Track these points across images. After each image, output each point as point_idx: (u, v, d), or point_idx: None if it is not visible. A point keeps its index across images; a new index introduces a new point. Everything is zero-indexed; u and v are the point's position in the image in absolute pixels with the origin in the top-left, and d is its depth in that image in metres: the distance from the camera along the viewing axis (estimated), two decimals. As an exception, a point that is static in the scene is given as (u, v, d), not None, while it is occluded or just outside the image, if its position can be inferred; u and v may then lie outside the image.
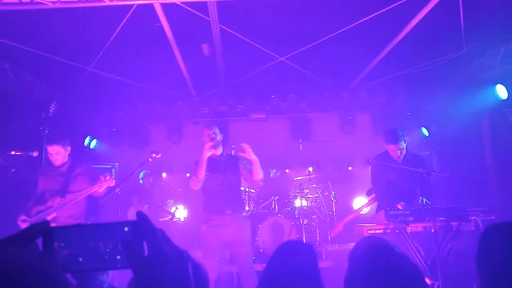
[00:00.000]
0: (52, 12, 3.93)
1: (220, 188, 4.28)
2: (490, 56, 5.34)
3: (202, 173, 4.13)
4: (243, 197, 4.46)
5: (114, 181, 4.10)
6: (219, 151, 4.40)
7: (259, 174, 4.25)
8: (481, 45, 5.14)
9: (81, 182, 4.16)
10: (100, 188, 4.02)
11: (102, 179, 4.00)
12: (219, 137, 4.35)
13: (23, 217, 3.92)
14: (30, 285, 0.62)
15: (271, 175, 7.49)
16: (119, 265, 0.76)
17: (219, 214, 4.21)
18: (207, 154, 4.13)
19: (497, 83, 5.38)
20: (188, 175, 7.34)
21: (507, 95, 5.29)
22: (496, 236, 1.24)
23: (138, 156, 6.40)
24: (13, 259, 0.63)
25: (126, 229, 0.77)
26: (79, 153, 6.70)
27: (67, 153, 4.32)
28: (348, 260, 1.60)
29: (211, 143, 4.16)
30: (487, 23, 4.61)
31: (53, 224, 0.76)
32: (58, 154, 4.21)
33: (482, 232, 1.27)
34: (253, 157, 4.19)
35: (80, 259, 0.76)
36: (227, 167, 4.36)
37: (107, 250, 0.76)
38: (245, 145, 4.19)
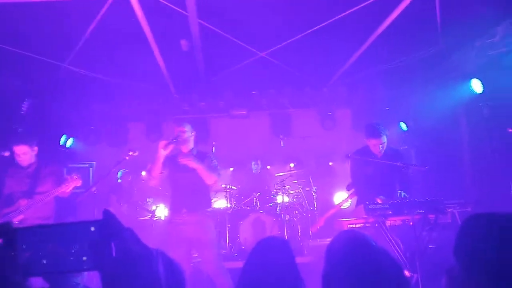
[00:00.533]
0: (25, 5, 3.80)
1: (181, 186, 4.23)
2: (466, 51, 5.44)
3: (156, 171, 4.07)
4: (208, 195, 4.42)
5: (80, 181, 4.04)
6: (188, 148, 4.32)
7: (208, 179, 4.16)
8: (456, 40, 5.23)
9: (49, 182, 4.09)
10: (67, 188, 3.93)
11: (69, 179, 3.92)
12: (187, 135, 4.27)
13: None
14: None
15: (253, 170, 7.47)
16: (85, 267, 0.73)
17: (177, 212, 4.19)
18: (162, 152, 4.01)
19: (472, 78, 5.49)
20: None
21: (482, 89, 5.40)
22: (475, 227, 1.25)
23: (116, 154, 6.26)
24: None
25: (92, 229, 0.73)
26: (54, 152, 6.54)
27: (34, 153, 4.22)
28: (325, 254, 1.59)
29: (164, 142, 4.06)
30: (462, 18, 4.69)
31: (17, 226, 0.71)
32: (25, 154, 4.11)
33: (460, 223, 1.28)
34: (195, 165, 4.09)
35: (44, 261, 0.72)
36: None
37: (72, 251, 0.72)
38: (184, 160, 4.10)
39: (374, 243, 1.56)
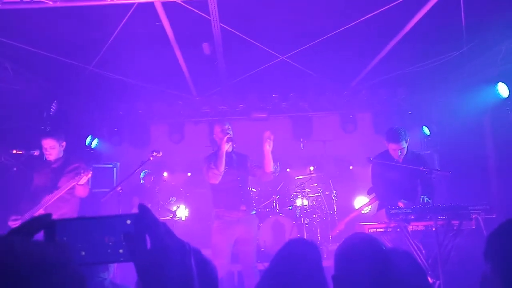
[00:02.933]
0: (53, 11, 3.93)
1: (235, 184, 4.34)
2: (491, 55, 5.33)
3: (223, 166, 4.16)
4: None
5: (90, 171, 4.08)
6: (230, 148, 4.43)
7: (271, 165, 4.33)
8: (482, 43, 5.13)
9: (69, 178, 4.11)
10: (79, 180, 3.96)
11: (81, 172, 3.97)
12: (231, 133, 4.39)
13: (14, 217, 3.92)
14: (37, 276, 0.61)
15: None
16: (121, 258, 0.76)
17: (234, 209, 4.25)
18: (226, 146, 4.18)
19: (499, 82, 5.36)
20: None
21: (508, 94, 5.27)
22: (510, 230, 1.22)
23: (139, 155, 6.39)
24: (16, 252, 0.61)
25: (128, 221, 0.77)
26: (80, 152, 6.72)
27: (62, 148, 4.31)
28: (335, 257, 1.59)
29: (229, 136, 4.20)
30: (487, 21, 4.60)
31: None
32: (52, 148, 4.20)
33: (497, 227, 1.25)
34: (268, 148, 4.28)
35: (83, 252, 0.75)
36: (239, 163, 4.43)
37: (110, 243, 0.76)
38: (269, 135, 4.29)
39: (384, 246, 1.55)
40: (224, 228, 4.21)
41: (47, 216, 0.75)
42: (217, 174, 4.20)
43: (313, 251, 1.79)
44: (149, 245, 0.75)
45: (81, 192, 4.18)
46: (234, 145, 4.46)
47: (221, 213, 4.29)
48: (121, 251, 0.76)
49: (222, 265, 3.96)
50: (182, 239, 0.78)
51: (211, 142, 4.36)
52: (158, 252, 0.74)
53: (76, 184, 4.01)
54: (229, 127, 4.42)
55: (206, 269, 0.83)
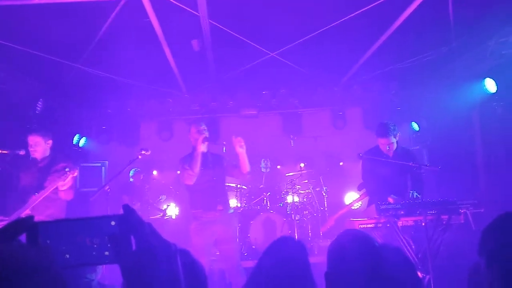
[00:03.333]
0: (39, 8, 3.85)
1: (211, 184, 4.30)
2: (479, 50, 5.37)
3: (198, 166, 4.15)
4: (234, 193, 4.53)
5: (77, 170, 4.03)
6: (206, 148, 4.42)
7: (246, 166, 4.29)
8: (470, 39, 5.17)
9: (55, 178, 4.03)
10: (65, 179, 3.90)
11: (66, 172, 3.92)
12: (207, 133, 4.38)
13: (0, 217, 3.85)
14: (19, 279, 0.59)
15: (262, 169, 7.48)
16: (107, 260, 0.75)
17: (211, 210, 4.22)
18: (202, 147, 4.17)
19: (486, 77, 5.42)
20: (178, 172, 7.34)
21: (496, 89, 5.33)
22: (505, 225, 1.22)
23: (128, 153, 6.33)
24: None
25: (112, 223, 0.76)
26: (68, 151, 6.63)
27: (48, 146, 4.24)
28: (328, 254, 1.59)
29: (204, 136, 4.19)
30: (476, 17, 4.64)
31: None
32: (37, 145, 4.14)
33: (491, 222, 1.25)
34: (241, 150, 4.23)
35: (67, 255, 0.74)
36: (214, 164, 4.41)
37: (94, 245, 0.75)
38: (238, 138, 4.25)
39: (377, 243, 1.55)
40: (201, 229, 4.19)
41: (29, 218, 0.73)
42: (192, 175, 4.17)
43: (300, 250, 1.79)
44: (134, 246, 0.73)
45: (65, 195, 4.09)
46: (225, 145, 4.47)
47: (198, 214, 4.27)
48: (106, 253, 0.75)
49: (204, 264, 3.95)
50: (168, 240, 0.77)
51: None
52: (144, 253, 0.73)
53: (61, 184, 3.93)
54: (205, 127, 4.41)
55: (194, 270, 0.82)
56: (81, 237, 0.74)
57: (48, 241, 0.73)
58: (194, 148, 4.24)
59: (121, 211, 0.77)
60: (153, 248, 0.73)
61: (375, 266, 1.42)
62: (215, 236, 4.22)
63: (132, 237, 0.74)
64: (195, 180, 4.24)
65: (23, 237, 0.72)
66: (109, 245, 0.74)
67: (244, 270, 4.23)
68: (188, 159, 4.29)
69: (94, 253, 0.74)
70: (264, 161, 7.46)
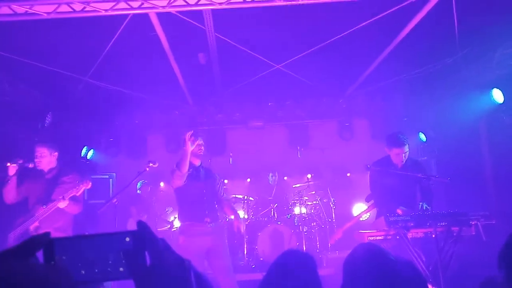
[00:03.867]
0: (47, 22, 3.92)
1: (200, 196, 4.24)
2: (485, 61, 5.36)
3: (186, 167, 4.01)
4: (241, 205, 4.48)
5: (90, 183, 4.04)
6: (199, 161, 4.42)
7: (186, 166, 4.05)
8: (476, 49, 5.17)
9: (64, 191, 4.04)
10: (77, 192, 3.92)
11: (79, 183, 3.93)
12: (203, 149, 4.36)
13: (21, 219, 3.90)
14: None
15: (270, 181, 7.47)
16: (121, 276, 0.75)
17: (199, 222, 4.16)
18: (190, 147, 4.00)
19: (493, 87, 5.39)
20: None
21: (503, 99, 5.30)
22: None
23: (136, 166, 6.35)
24: (14, 273, 0.61)
25: (127, 239, 0.76)
26: (76, 164, 6.67)
27: (54, 158, 4.27)
28: (344, 267, 1.57)
29: (190, 132, 4.04)
30: (481, 27, 4.64)
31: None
32: (43, 156, 4.17)
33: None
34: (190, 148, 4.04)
35: (82, 271, 0.74)
36: (206, 177, 4.40)
37: (109, 261, 0.75)
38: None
39: (392, 257, 1.54)
40: (190, 242, 4.10)
41: (46, 235, 0.74)
42: (180, 176, 4.03)
43: (309, 262, 1.77)
44: (148, 262, 0.74)
45: (72, 209, 4.09)
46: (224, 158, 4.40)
47: (186, 228, 4.19)
48: (121, 269, 0.75)
49: None
50: (181, 256, 0.78)
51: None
52: (158, 269, 0.73)
53: (72, 196, 3.95)
54: (202, 142, 4.34)
55: (202, 282, 0.82)
56: (96, 253, 0.75)
57: (64, 257, 0.74)
58: (183, 149, 4.06)
59: (128, 223, 0.78)
60: (167, 264, 0.74)
61: (390, 280, 1.41)
62: (205, 249, 4.12)
63: (146, 253, 0.75)
64: (183, 193, 4.19)
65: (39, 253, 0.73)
66: (123, 261, 0.75)
67: (237, 283, 4.18)
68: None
69: (109, 269, 0.75)
70: (271, 174, 7.46)
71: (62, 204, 3.93)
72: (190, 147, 4.01)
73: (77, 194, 3.99)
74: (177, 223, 7.22)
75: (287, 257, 1.81)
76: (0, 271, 0.60)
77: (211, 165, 4.56)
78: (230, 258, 4.32)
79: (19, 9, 3.65)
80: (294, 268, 1.73)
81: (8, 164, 4.02)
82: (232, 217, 4.44)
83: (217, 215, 4.38)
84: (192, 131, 4.09)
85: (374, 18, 4.33)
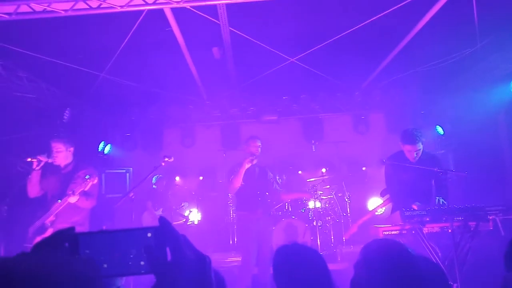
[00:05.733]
0: (64, 20, 3.99)
1: (256, 191, 4.97)
2: (505, 52, 5.23)
3: (239, 183, 4.74)
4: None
5: (97, 178, 4.11)
6: (255, 160, 4.90)
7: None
8: (495, 40, 5.04)
9: (76, 186, 4.06)
10: (85, 187, 3.95)
11: (87, 179, 3.98)
12: (260, 150, 4.95)
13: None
14: (65, 286, 0.63)
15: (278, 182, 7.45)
16: (142, 271, 0.78)
17: (253, 211, 4.90)
18: (246, 166, 4.70)
19: (513, 79, 5.26)
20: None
21: (524, 91, 5.17)
22: None
23: (152, 160, 6.45)
24: (42, 266, 0.64)
25: (149, 234, 0.79)
26: (93, 158, 6.79)
27: (69, 153, 4.33)
28: (357, 262, 1.56)
29: (250, 159, 4.72)
30: (501, 17, 4.52)
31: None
32: (59, 152, 4.22)
33: None
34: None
35: (105, 265, 0.77)
36: (260, 174, 5.04)
37: (131, 256, 0.78)
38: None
39: (411, 251, 1.53)
40: (248, 223, 4.88)
41: (71, 229, 0.77)
42: (233, 189, 4.85)
43: (317, 258, 1.77)
44: (169, 258, 0.76)
45: (84, 203, 4.14)
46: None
47: (244, 213, 4.98)
48: (142, 263, 0.77)
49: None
50: (202, 252, 0.80)
51: (246, 148, 5.03)
52: (178, 264, 0.75)
53: (82, 191, 3.99)
54: (260, 144, 4.97)
55: (216, 279, 0.84)
56: (119, 248, 0.78)
57: (88, 251, 0.77)
58: (241, 164, 4.76)
59: (143, 217, 0.80)
60: (187, 259, 0.76)
61: (409, 274, 1.40)
62: (258, 230, 4.83)
63: (167, 249, 0.77)
64: (242, 188, 4.83)
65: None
66: (145, 255, 0.77)
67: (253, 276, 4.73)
68: (234, 171, 4.84)
69: (130, 263, 0.77)
70: (278, 177, 7.46)
71: (72, 199, 3.98)
72: (246, 167, 4.70)
73: (86, 189, 4.01)
74: (192, 217, 7.31)
75: (289, 253, 1.82)
76: (29, 262, 0.63)
77: (265, 163, 5.23)
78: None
79: (38, 7, 3.73)
80: (301, 262, 1.74)
81: (29, 159, 4.11)
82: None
83: (268, 206, 5.20)
84: (255, 158, 4.77)
85: (390, 9, 4.26)
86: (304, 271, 1.74)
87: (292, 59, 5.62)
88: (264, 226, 4.99)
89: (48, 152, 4.20)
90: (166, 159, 4.34)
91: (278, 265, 1.76)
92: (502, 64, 5.37)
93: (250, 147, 4.92)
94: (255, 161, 4.81)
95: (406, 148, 4.28)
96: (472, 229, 3.44)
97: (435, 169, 4.05)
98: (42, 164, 4.12)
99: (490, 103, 5.72)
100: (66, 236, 0.75)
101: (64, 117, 5.86)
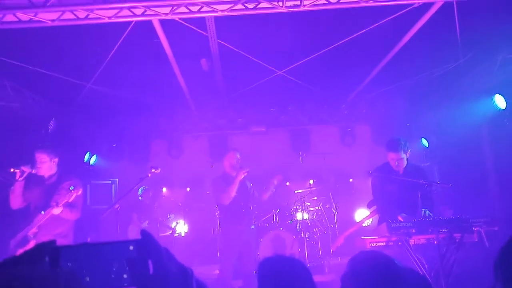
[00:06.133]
0: (51, 29, 3.96)
1: (248, 207, 5.19)
2: (488, 66, 5.36)
3: (233, 192, 4.89)
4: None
5: (81, 189, 4.09)
6: (235, 173, 5.05)
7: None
8: (478, 55, 5.17)
9: (60, 197, 4.01)
10: (70, 198, 3.91)
11: (71, 190, 3.94)
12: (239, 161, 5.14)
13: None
14: None
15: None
16: (125, 284, 0.77)
17: (245, 226, 5.08)
18: (241, 177, 4.88)
19: (496, 93, 5.39)
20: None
21: (505, 105, 5.29)
22: None
23: (138, 171, 6.37)
24: (22, 279, 0.63)
25: (131, 247, 0.78)
26: (78, 169, 6.69)
27: (54, 164, 4.26)
28: (344, 274, 1.56)
29: (246, 170, 4.91)
30: (483, 33, 4.64)
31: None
32: (43, 163, 4.16)
33: (506, 244, 1.20)
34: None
35: (87, 278, 0.76)
36: (241, 187, 5.08)
37: (113, 269, 0.77)
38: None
39: (397, 262, 1.54)
40: (238, 237, 5.02)
41: (52, 242, 0.76)
42: (228, 198, 4.93)
43: (302, 270, 1.77)
44: (151, 270, 0.76)
45: (68, 215, 4.08)
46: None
47: (235, 227, 5.03)
48: (124, 276, 0.77)
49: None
50: (184, 265, 0.80)
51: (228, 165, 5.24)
52: (160, 277, 0.75)
53: (66, 203, 3.93)
54: (239, 156, 5.17)
55: None
56: (101, 261, 0.77)
57: (70, 264, 0.76)
58: (228, 174, 5.06)
59: (129, 229, 0.79)
60: (170, 272, 0.76)
61: (395, 287, 1.41)
62: (247, 245, 4.98)
63: (149, 262, 0.76)
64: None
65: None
66: (127, 268, 0.76)
67: None
68: (223, 181, 5.02)
69: (113, 276, 0.77)
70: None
71: (56, 211, 3.92)
72: (240, 179, 4.87)
73: (70, 201, 3.96)
74: (179, 229, 7.22)
75: (273, 265, 1.81)
76: (8, 276, 0.62)
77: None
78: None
79: (24, 16, 3.69)
80: (288, 274, 1.73)
81: (12, 170, 4.03)
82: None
83: (252, 218, 5.29)
84: (248, 170, 4.95)
85: (377, 24, 4.35)
86: (288, 283, 1.73)
87: (279, 72, 5.66)
88: (248, 238, 5.05)
89: (32, 163, 4.12)
90: (153, 170, 4.31)
91: (262, 277, 1.75)
92: (485, 78, 5.50)
93: (229, 160, 5.11)
94: (245, 174, 4.96)
95: (389, 156, 4.34)
96: (457, 240, 3.48)
97: (421, 181, 4.10)
98: (25, 174, 4.05)
99: (474, 116, 5.84)
100: (47, 249, 0.74)
101: (49, 127, 5.78)
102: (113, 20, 3.78)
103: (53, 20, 3.75)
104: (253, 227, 5.31)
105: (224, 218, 5.28)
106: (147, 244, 0.77)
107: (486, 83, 5.51)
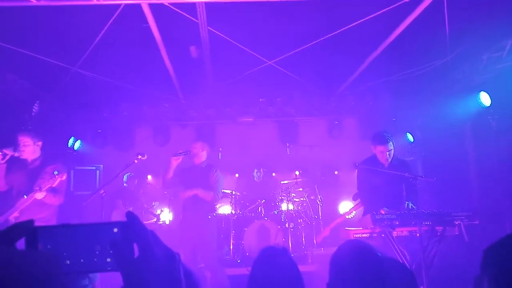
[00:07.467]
0: (36, 10, 3.85)
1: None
2: (474, 64, 5.44)
3: (167, 176, 5.03)
4: (212, 203, 5.34)
5: (65, 174, 4.02)
6: (199, 161, 5.25)
7: (205, 197, 5.05)
8: (464, 53, 5.24)
9: (45, 181, 3.95)
10: (53, 183, 3.86)
11: (55, 174, 3.88)
12: (196, 151, 5.24)
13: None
14: (19, 285, 0.58)
15: (255, 178, 7.49)
16: (108, 268, 0.73)
17: (189, 216, 5.11)
18: (173, 162, 4.96)
19: (481, 90, 5.48)
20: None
21: (490, 102, 5.39)
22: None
23: (123, 158, 6.30)
24: None
25: (115, 230, 0.74)
26: (62, 154, 6.58)
27: (37, 148, 4.18)
28: (330, 264, 1.59)
29: (177, 155, 4.97)
30: (470, 31, 4.70)
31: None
32: (26, 146, 4.08)
33: (496, 241, 1.20)
34: (191, 193, 5.04)
35: (68, 261, 0.72)
36: (200, 173, 5.18)
37: (96, 252, 0.73)
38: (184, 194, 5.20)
39: (379, 253, 1.56)
40: (182, 230, 5.19)
41: (29, 222, 0.71)
42: (163, 182, 5.19)
43: (287, 257, 1.78)
44: (136, 254, 0.72)
45: (51, 200, 4.01)
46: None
47: (182, 218, 5.27)
48: (108, 260, 0.73)
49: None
50: (171, 249, 0.76)
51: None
52: (146, 261, 0.71)
53: (49, 187, 3.87)
54: (197, 145, 5.29)
55: (191, 280, 0.81)
56: (83, 243, 0.73)
57: (49, 246, 0.72)
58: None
59: (112, 215, 0.76)
60: (156, 256, 0.72)
61: (377, 277, 1.43)
62: (194, 237, 4.97)
63: (134, 245, 0.72)
64: (174, 188, 5.31)
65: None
66: (111, 252, 0.72)
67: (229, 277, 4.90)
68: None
69: (95, 259, 0.73)
70: (257, 171, 7.48)
71: (39, 195, 3.86)
72: (173, 164, 4.97)
73: (53, 186, 3.90)
74: (163, 217, 7.20)
75: (267, 255, 1.82)
76: None
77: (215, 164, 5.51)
78: (215, 249, 5.17)
79: (8, -6, 3.58)
80: (276, 264, 1.74)
81: (-6, 153, 3.94)
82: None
83: (205, 211, 5.12)
84: (181, 154, 5.00)
85: (366, 18, 4.35)
86: (277, 274, 1.74)
87: (269, 62, 5.64)
88: (198, 229, 5.01)
89: (15, 146, 4.03)
90: (139, 156, 4.27)
91: (256, 267, 1.76)
92: (471, 76, 5.59)
93: (191, 148, 5.27)
94: (180, 160, 4.99)
95: (379, 149, 4.39)
96: (439, 233, 3.55)
97: (406, 175, 4.17)
98: (7, 157, 3.96)
99: (459, 113, 5.94)
100: (24, 229, 0.69)
101: (33, 110, 5.65)
102: (102, 2, 3.69)
103: (38, 0, 3.64)
104: (210, 217, 5.19)
105: (184, 210, 5.38)
106: (133, 226, 0.72)
107: (472, 80, 5.60)
